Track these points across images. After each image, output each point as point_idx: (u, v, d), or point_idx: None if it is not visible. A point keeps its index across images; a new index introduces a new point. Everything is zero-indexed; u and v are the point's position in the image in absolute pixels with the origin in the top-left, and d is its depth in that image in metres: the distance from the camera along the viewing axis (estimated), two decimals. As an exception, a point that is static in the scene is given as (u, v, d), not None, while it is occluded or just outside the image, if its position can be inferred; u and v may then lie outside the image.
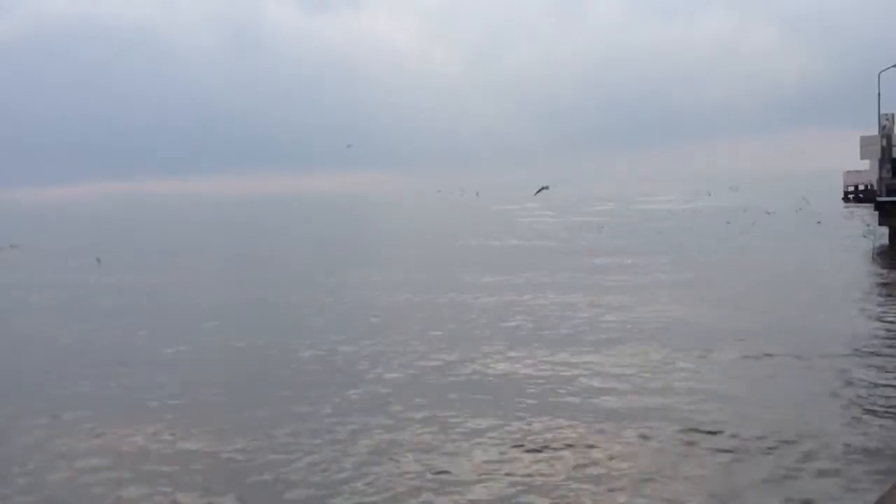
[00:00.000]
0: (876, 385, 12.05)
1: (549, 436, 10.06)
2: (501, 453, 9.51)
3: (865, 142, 40.01)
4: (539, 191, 27.77)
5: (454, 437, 10.07)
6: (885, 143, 35.56)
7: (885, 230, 33.83)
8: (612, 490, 8.42)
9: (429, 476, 8.89)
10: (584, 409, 11.08)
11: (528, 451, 9.56)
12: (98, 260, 35.64)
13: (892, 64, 39.87)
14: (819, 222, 45.20)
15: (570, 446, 9.66)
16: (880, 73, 39.29)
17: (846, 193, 68.16)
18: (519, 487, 8.54)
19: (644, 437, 9.90)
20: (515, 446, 9.73)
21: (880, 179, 35.58)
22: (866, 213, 44.83)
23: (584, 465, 9.06)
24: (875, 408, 10.97)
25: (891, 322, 16.98)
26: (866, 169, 53.64)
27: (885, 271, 26.09)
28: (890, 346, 14.66)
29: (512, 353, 14.66)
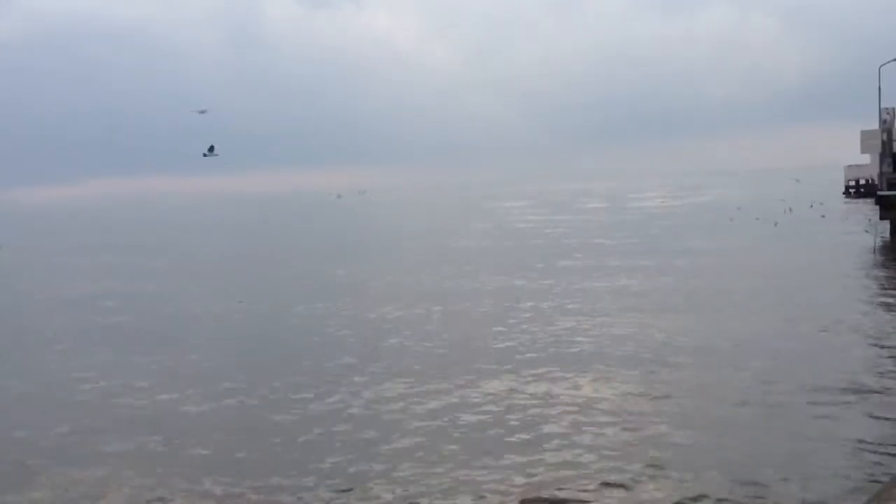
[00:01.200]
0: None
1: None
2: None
3: (866, 136, 39.98)
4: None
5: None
6: (885, 137, 35.45)
7: (886, 224, 33.73)
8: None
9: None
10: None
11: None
12: None
13: (892, 58, 39.79)
14: (823, 216, 45.16)
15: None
16: (881, 66, 39.20)
17: (847, 188, 68.05)
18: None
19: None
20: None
21: (881, 174, 35.46)
22: (867, 207, 44.69)
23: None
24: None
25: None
26: (867, 163, 53.57)
27: (886, 267, 26.08)
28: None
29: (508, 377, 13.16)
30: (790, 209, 50.34)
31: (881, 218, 34.06)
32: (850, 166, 67.39)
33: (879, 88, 37.68)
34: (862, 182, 64.62)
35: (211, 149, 29.76)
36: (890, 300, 19.34)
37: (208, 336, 18.15)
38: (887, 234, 33.23)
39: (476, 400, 11.88)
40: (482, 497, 8.41)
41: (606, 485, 8.53)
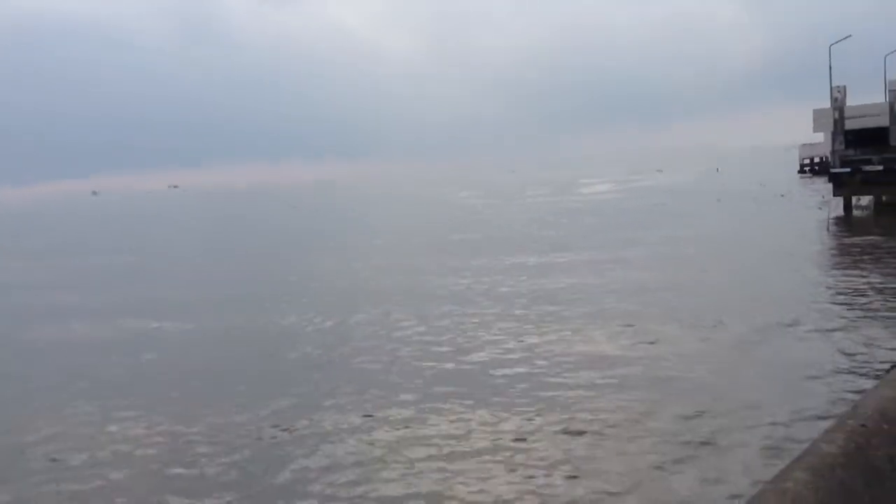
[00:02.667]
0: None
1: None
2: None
3: (818, 115, 40.58)
4: None
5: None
6: (837, 115, 36.05)
7: (839, 201, 34.37)
8: None
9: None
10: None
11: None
12: None
13: (842, 37, 40.46)
14: (782, 195, 45.84)
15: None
16: (831, 45, 39.82)
17: (802, 166, 69.18)
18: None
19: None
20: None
21: (833, 151, 36.12)
22: (821, 184, 45.45)
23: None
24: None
25: (840, 289, 17.30)
26: (821, 141, 54.48)
27: (838, 241, 26.65)
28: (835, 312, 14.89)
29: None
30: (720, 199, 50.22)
31: (834, 195, 34.70)
32: (804, 145, 68.53)
33: (830, 67, 38.31)
34: (816, 160, 65.75)
35: None
36: (842, 276, 19.75)
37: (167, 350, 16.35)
38: (841, 211, 33.86)
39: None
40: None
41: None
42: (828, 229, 29.28)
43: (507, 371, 12.35)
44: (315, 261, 30.54)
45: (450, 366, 12.92)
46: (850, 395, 9.60)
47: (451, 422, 10.19)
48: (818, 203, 37.46)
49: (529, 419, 10.06)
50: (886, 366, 9.87)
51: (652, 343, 13.46)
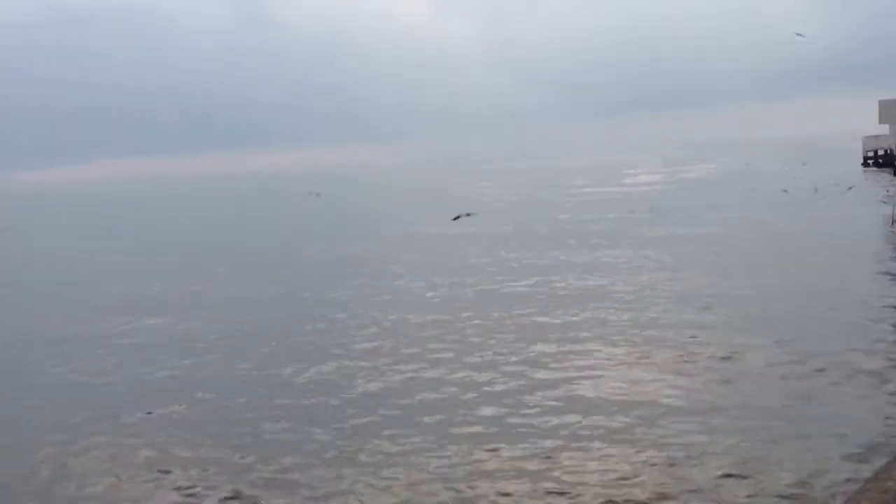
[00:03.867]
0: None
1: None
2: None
3: (884, 106, 39.58)
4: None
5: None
6: (903, 107, 35.11)
7: (905, 195, 33.46)
8: None
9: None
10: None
11: None
12: None
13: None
14: (850, 188, 44.65)
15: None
16: (899, 35, 38.66)
17: (866, 159, 67.37)
18: None
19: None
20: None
21: (899, 144, 35.17)
22: (886, 177, 44.19)
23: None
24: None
25: None
26: (886, 133, 53.00)
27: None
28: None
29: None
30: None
31: (900, 188, 33.78)
32: (868, 137, 66.73)
33: (898, 58, 37.24)
34: (881, 152, 63.99)
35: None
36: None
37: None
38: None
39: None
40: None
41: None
42: (892, 223, 28.53)
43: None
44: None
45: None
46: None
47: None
48: (882, 197, 36.46)
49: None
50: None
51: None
